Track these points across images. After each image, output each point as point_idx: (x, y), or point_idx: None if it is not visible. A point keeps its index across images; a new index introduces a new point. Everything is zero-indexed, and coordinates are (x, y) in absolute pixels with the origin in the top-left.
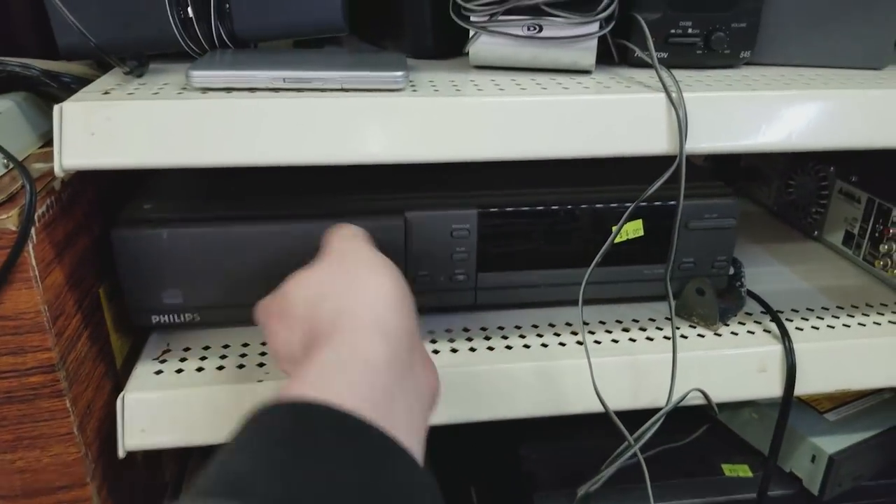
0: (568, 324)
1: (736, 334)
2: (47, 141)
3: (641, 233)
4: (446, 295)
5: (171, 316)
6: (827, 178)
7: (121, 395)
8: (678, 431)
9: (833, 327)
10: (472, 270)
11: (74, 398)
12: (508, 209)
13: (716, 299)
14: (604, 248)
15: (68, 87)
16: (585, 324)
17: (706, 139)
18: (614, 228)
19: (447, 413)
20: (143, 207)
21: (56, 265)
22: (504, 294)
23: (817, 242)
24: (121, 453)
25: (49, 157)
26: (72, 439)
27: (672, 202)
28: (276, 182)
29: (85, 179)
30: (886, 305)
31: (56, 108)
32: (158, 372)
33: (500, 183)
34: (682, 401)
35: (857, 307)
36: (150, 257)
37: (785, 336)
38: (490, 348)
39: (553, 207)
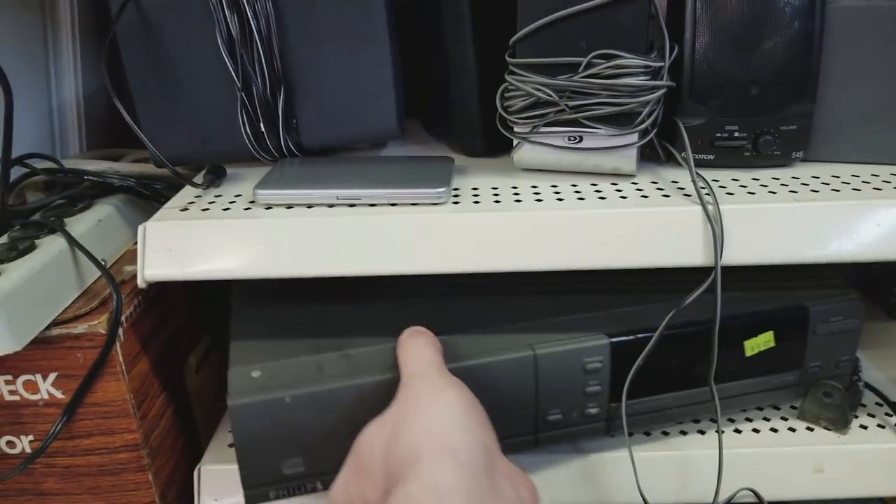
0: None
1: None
2: None
3: (772, 343)
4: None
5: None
6: None
7: (197, 468)
8: None
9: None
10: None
11: (157, 471)
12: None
13: (846, 402)
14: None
15: (159, 192)
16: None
17: (744, 250)
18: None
19: None
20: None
21: (142, 356)
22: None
23: None
24: None
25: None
26: None
27: (802, 308)
28: (384, 321)
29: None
30: None
31: (140, 227)
32: (231, 444)
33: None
34: (731, 499)
35: None
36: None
37: None
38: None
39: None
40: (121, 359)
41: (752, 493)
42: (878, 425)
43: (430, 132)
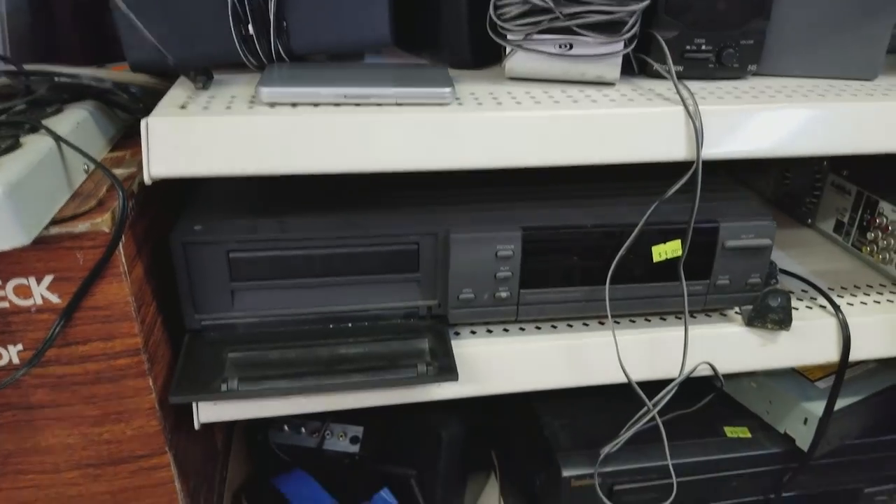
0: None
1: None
2: (114, 146)
3: (680, 252)
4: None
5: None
6: (821, 171)
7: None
8: (686, 400)
9: (824, 307)
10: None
11: (155, 377)
12: (552, 228)
13: (790, 304)
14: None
15: (136, 97)
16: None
17: (718, 147)
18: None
19: (488, 386)
20: (198, 226)
21: (138, 260)
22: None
23: (811, 230)
24: (196, 425)
25: (122, 162)
26: (153, 414)
27: (714, 224)
28: (320, 202)
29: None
30: (872, 287)
31: (143, 122)
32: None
33: (542, 202)
34: (693, 372)
35: (845, 288)
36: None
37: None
38: (521, 329)
39: (592, 228)
40: (123, 258)
41: (709, 366)
42: (807, 307)
43: (406, 49)
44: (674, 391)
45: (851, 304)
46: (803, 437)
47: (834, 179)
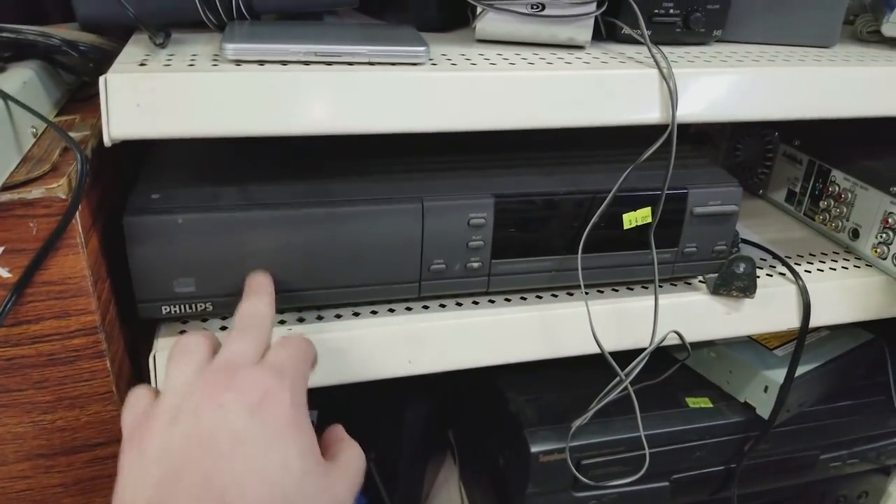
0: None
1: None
2: (59, 111)
3: (650, 219)
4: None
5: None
6: (772, 141)
7: (152, 355)
8: (648, 372)
9: (784, 274)
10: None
11: (112, 358)
12: (523, 195)
13: (755, 271)
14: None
15: (86, 55)
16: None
17: (692, 109)
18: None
19: (456, 359)
20: (152, 195)
21: (93, 231)
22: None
23: (762, 200)
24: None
25: (72, 126)
26: (110, 398)
27: (683, 190)
28: (290, 167)
29: (106, 149)
30: (826, 255)
31: (101, 79)
32: (182, 332)
33: (514, 170)
34: (662, 341)
35: (801, 256)
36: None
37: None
38: (491, 301)
39: (564, 196)
40: (79, 228)
41: (676, 335)
42: (767, 275)
43: (366, 11)
44: (645, 361)
45: (809, 272)
46: (764, 405)
47: (785, 150)
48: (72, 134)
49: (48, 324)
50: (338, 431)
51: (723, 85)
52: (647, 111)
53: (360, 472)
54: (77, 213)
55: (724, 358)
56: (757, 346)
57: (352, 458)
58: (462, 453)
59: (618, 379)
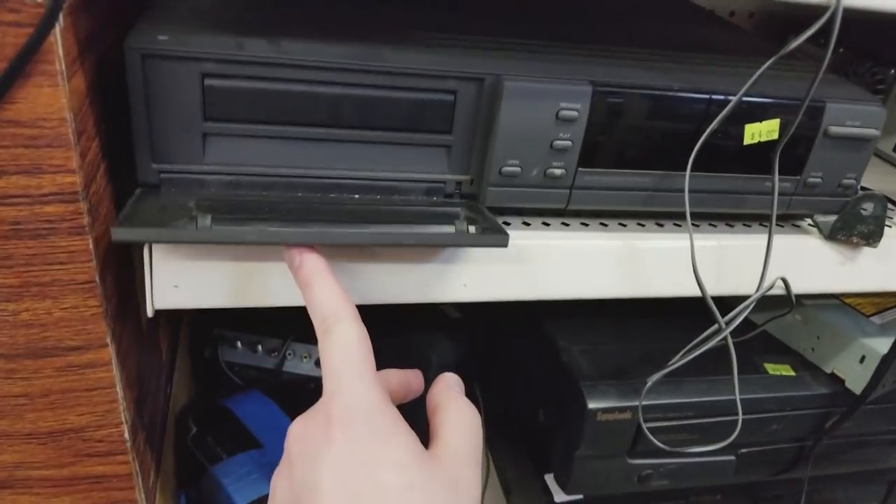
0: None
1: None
2: None
3: (777, 135)
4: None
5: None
6: (884, 80)
7: (147, 245)
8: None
9: None
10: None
11: (96, 239)
12: (629, 88)
13: (885, 213)
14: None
15: None
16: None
17: None
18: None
19: (516, 290)
20: (163, 36)
21: (79, 67)
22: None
23: None
24: (150, 312)
25: None
26: (93, 290)
27: (819, 103)
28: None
29: None
30: None
31: None
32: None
33: (616, 61)
34: (770, 288)
35: None
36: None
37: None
38: (565, 224)
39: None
40: (60, 52)
41: (782, 283)
42: (886, 225)
43: None
44: (750, 308)
45: None
46: (855, 378)
47: None
48: None
49: (13, 180)
50: (436, 397)
51: None
52: None
53: (472, 439)
54: (58, 26)
55: (812, 322)
56: (850, 311)
57: (457, 427)
58: (489, 409)
59: (716, 327)
